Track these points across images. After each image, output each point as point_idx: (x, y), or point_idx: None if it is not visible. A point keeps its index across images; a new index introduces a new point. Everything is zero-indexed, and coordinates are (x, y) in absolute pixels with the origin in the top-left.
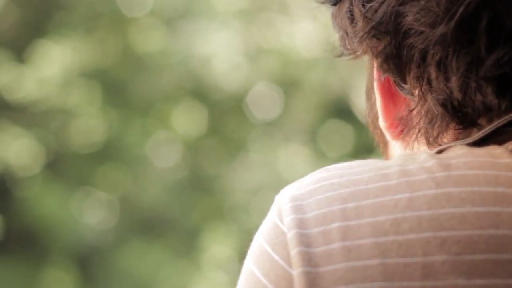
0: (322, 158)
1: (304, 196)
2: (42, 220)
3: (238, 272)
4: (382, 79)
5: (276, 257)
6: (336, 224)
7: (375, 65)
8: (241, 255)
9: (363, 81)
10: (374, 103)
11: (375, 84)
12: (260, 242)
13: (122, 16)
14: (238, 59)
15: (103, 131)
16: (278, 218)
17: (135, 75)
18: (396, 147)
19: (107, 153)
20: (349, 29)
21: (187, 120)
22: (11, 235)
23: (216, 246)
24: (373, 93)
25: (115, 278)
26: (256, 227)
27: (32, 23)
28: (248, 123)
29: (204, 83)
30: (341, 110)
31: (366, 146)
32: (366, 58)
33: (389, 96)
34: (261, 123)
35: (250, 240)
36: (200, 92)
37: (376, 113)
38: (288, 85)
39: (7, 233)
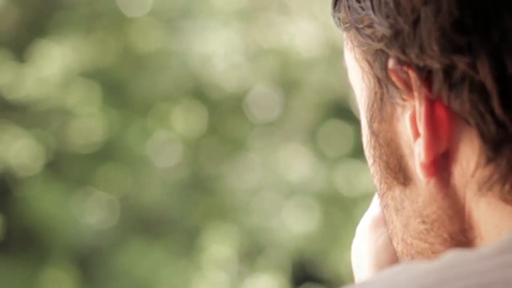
0: (322, 158)
1: None
2: (42, 220)
3: (238, 272)
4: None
5: None
6: None
7: None
8: (241, 255)
9: None
10: None
11: None
12: None
13: (122, 16)
14: (238, 59)
15: (103, 131)
16: None
17: (135, 75)
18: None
19: (107, 153)
20: None
21: (187, 120)
22: (11, 235)
23: (216, 246)
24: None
25: (115, 278)
26: (256, 227)
27: (32, 23)
28: (248, 123)
29: (204, 83)
30: (341, 110)
31: None
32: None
33: None
34: (261, 123)
35: (250, 240)
36: (200, 92)
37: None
38: (288, 85)
39: (7, 233)
